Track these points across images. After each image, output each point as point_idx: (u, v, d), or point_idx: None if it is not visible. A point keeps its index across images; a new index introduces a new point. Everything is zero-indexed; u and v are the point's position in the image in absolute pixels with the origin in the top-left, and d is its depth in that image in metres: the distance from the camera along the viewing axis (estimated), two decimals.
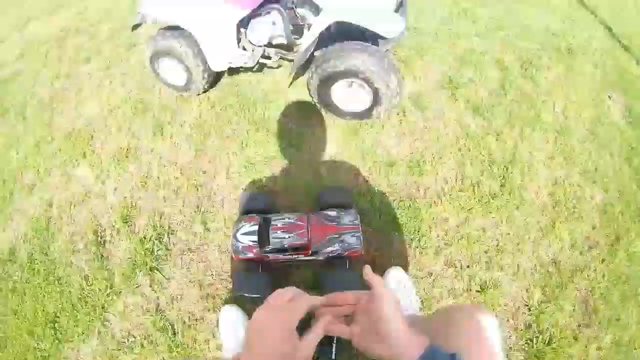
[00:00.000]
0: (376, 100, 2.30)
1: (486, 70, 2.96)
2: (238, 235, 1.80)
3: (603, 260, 2.10)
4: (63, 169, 2.55)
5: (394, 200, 2.21)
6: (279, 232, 1.77)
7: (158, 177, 2.40)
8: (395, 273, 1.88)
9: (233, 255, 1.85)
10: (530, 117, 2.67)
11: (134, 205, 2.31)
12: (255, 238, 1.77)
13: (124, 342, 1.91)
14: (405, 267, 1.99)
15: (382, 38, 2.34)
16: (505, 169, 2.37)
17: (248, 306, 1.86)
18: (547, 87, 2.91)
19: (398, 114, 2.59)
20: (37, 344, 1.97)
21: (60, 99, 3.01)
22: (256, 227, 1.80)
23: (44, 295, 2.10)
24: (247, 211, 1.95)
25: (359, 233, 1.80)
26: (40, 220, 2.36)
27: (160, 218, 2.23)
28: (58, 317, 2.03)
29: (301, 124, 2.59)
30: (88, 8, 4.15)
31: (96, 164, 2.53)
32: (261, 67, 2.73)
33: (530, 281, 2.00)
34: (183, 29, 2.42)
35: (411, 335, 0.67)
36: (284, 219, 1.83)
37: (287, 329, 0.66)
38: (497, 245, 2.09)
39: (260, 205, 1.98)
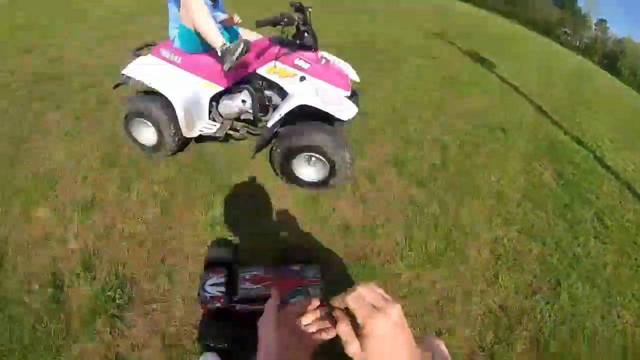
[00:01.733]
0: (332, 172, 2.69)
1: (428, 149, 3.50)
2: (206, 286, 1.97)
3: (547, 303, 2.38)
4: (23, 208, 2.57)
5: (351, 260, 2.49)
6: (246, 283, 1.98)
7: (122, 229, 2.52)
8: None
9: (200, 306, 2.01)
10: (469, 187, 3.16)
11: (95, 253, 2.38)
12: (223, 289, 1.95)
13: None
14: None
15: (338, 120, 2.74)
16: (449, 230, 2.78)
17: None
18: (483, 161, 3.45)
19: (352, 186, 3.02)
20: None
21: (25, 140, 3.06)
22: (224, 279, 1.99)
23: None
24: (213, 263, 2.14)
25: (322, 286, 2.04)
26: None
27: (124, 267, 2.32)
28: (7, 357, 1.96)
29: (264, 190, 2.90)
30: (63, 58, 4.28)
31: (58, 208, 2.59)
32: (227, 137, 3.06)
33: (481, 326, 2.21)
34: (160, 94, 2.70)
35: None
36: (251, 271, 2.05)
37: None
38: (448, 296, 2.36)
39: (226, 258, 2.16)
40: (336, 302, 0.60)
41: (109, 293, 2.20)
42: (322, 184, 2.82)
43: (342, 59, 3.03)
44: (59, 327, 2.07)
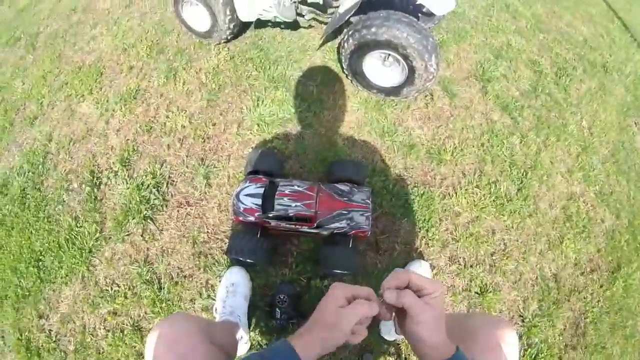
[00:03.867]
0: (410, 79, 2.08)
1: (520, 69, 2.71)
2: (241, 195, 1.64)
3: (601, 286, 2.01)
4: (67, 103, 2.41)
5: (408, 185, 2.05)
6: (285, 199, 1.60)
7: (164, 123, 2.24)
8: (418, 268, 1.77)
9: (233, 216, 1.69)
10: (557, 126, 2.46)
11: (135, 149, 2.16)
12: (259, 201, 1.61)
13: (107, 291, 1.80)
14: (409, 256, 1.87)
15: (427, 15, 2.13)
16: (524, 173, 2.20)
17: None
18: (577, 99, 2.68)
19: (425, 97, 2.38)
20: (19, 281, 1.89)
21: (74, 33, 2.85)
22: (262, 190, 1.63)
23: (32, 232, 2.00)
24: (254, 171, 1.79)
25: (369, 213, 1.63)
26: (37, 154, 2.23)
27: (162, 166, 2.08)
28: (43, 256, 1.93)
29: (323, 90, 2.37)
30: None
31: (102, 101, 2.37)
32: (290, 24, 2.50)
33: (529, 292, 1.91)
34: None
35: (444, 340, 0.73)
36: (292, 185, 1.66)
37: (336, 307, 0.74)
38: (504, 250, 1.96)
39: (268, 166, 1.81)
40: (388, 298, 0.73)
41: (144, 193, 1.99)
42: (394, 91, 2.23)
43: None
44: (93, 228, 1.94)
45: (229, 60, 2.50)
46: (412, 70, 2.03)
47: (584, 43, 3.14)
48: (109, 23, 2.85)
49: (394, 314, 0.78)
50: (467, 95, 2.47)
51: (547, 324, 1.85)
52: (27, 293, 1.86)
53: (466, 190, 2.08)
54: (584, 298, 1.97)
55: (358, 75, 2.26)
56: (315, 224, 1.59)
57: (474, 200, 2.06)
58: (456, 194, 2.06)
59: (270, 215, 1.58)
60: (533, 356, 1.77)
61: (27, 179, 2.16)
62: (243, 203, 1.63)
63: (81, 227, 1.96)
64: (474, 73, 2.59)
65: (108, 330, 1.74)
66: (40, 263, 1.92)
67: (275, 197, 1.60)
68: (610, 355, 1.90)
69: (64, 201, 2.05)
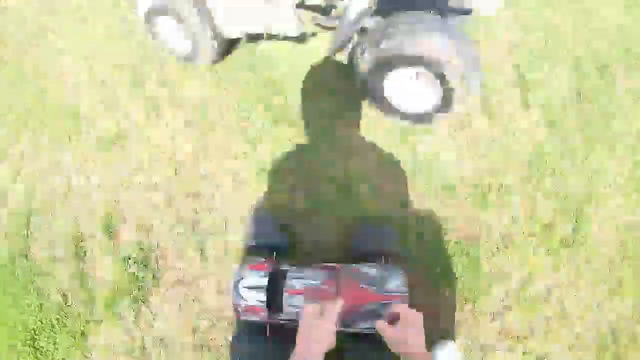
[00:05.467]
0: (445, 102, 1.69)
1: (562, 69, 2.28)
2: (241, 288, 1.35)
3: None
4: (49, 151, 2.18)
5: (449, 243, 1.76)
6: (296, 297, 1.32)
7: (149, 176, 2.00)
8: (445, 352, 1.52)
9: (234, 312, 1.46)
10: (606, 135, 2.08)
11: (118, 211, 1.95)
12: (263, 297, 1.32)
13: None
14: (453, 334, 1.64)
15: (462, 13, 1.71)
16: (579, 209, 1.86)
17: None
18: (624, 100, 2.24)
19: (461, 119, 2.02)
20: None
21: (52, 63, 2.52)
22: (266, 281, 1.35)
23: (25, 307, 1.87)
24: (254, 245, 1.54)
25: (405, 302, 1.30)
26: (21, 215, 2.05)
27: (148, 234, 1.87)
28: (38, 335, 1.81)
29: (335, 118, 2.03)
30: None
31: (82, 149, 2.14)
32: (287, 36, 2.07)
33: (584, 355, 1.67)
34: None
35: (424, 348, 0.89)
36: (304, 277, 1.36)
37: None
38: (561, 310, 1.70)
39: (272, 237, 1.56)
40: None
41: (132, 269, 1.79)
42: (424, 117, 1.84)
43: None
44: (83, 308, 1.81)
45: (216, 87, 2.19)
46: (449, 91, 1.62)
47: (625, 34, 2.62)
48: (86, 51, 2.51)
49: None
50: (508, 109, 2.08)
51: None
52: None
53: (518, 241, 1.79)
54: None
55: (377, 99, 1.88)
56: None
57: (527, 254, 1.77)
58: (506, 247, 1.78)
59: (279, 317, 1.33)
60: None
61: (13, 244, 2.00)
62: (244, 299, 1.34)
63: (70, 305, 1.82)
64: (512, 80, 2.18)
65: None
66: (36, 342, 1.79)
67: (284, 294, 1.33)
68: None
69: (51, 272, 1.90)
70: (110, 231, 1.90)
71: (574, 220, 1.83)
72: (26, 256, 1.96)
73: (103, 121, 2.20)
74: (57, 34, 2.60)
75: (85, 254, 1.89)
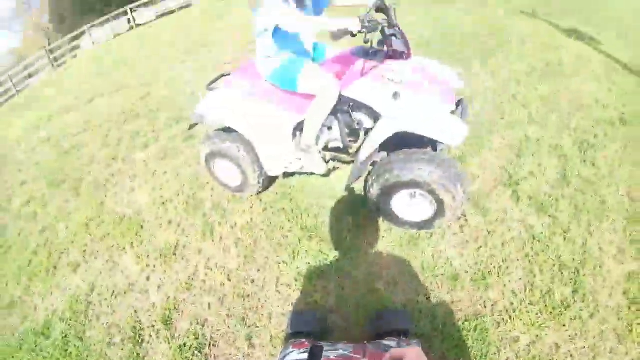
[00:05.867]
0: (440, 211, 2.24)
1: (545, 160, 2.85)
2: None
3: None
4: (109, 254, 2.56)
5: (458, 320, 2.05)
6: None
7: (204, 281, 2.38)
8: None
9: None
10: (595, 207, 2.50)
11: (176, 307, 2.27)
12: None
13: None
14: None
15: (434, 149, 2.33)
16: (576, 272, 2.18)
17: None
18: (608, 167, 2.73)
19: (459, 219, 2.53)
20: None
21: (114, 182, 3.10)
22: (305, 356, 1.65)
23: None
24: (295, 332, 1.90)
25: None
26: (79, 302, 2.33)
27: (203, 326, 2.16)
28: None
29: (356, 232, 2.55)
30: (150, 94, 4.41)
31: (142, 256, 2.53)
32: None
33: None
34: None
35: None
36: (337, 350, 1.74)
37: None
38: None
39: (310, 325, 1.89)
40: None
41: (187, 354, 2.04)
42: (425, 224, 2.39)
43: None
44: None
45: (261, 213, 2.74)
46: (440, 203, 2.16)
47: (595, 104, 3.26)
48: (147, 175, 3.12)
49: None
50: (499, 204, 2.58)
51: None
52: None
53: (520, 310, 2.05)
54: None
55: (388, 215, 2.43)
56: None
57: (531, 319, 1.99)
58: (510, 317, 2.01)
59: None
60: None
61: (70, 327, 2.23)
62: None
63: None
64: (501, 180, 2.73)
65: None
66: None
67: None
68: None
69: (107, 355, 2.10)
70: (167, 322, 2.18)
71: (573, 283, 2.13)
72: (81, 338, 2.18)
73: (163, 234, 2.65)
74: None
75: (142, 342, 2.12)
